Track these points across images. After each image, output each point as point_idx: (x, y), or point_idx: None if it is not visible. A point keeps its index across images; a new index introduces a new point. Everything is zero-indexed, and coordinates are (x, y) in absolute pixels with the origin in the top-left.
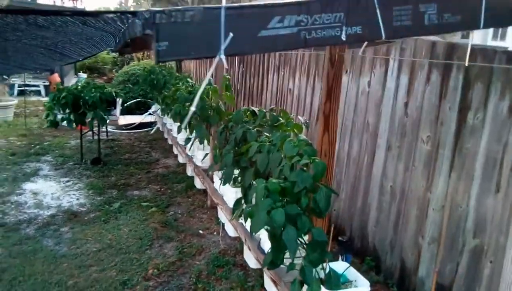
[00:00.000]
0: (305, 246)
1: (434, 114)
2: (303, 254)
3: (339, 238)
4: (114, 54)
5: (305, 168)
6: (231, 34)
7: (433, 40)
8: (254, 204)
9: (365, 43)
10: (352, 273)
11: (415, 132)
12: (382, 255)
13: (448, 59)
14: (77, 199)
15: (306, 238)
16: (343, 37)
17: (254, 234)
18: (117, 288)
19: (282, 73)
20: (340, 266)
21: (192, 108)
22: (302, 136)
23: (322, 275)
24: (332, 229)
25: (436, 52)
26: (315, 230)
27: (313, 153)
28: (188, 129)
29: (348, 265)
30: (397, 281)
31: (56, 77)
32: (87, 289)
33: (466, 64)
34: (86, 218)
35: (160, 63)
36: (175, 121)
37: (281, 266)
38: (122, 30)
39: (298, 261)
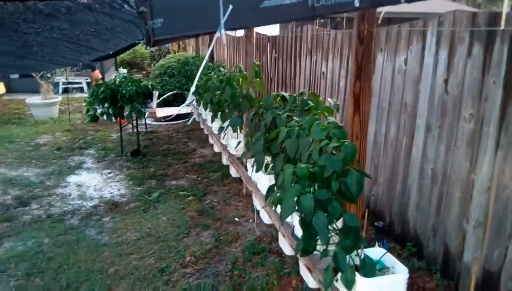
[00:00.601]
0: (337, 232)
1: (477, 90)
2: (337, 241)
3: (375, 224)
4: (151, 48)
5: (334, 152)
6: (230, 7)
7: (474, 11)
8: (282, 190)
9: (382, 13)
10: (390, 260)
11: (456, 111)
12: (424, 241)
13: (491, 30)
14: (118, 190)
15: (339, 223)
16: (356, 3)
17: (284, 220)
18: (156, 275)
19: (315, 57)
20: (376, 252)
21: (192, 89)
22: (332, 118)
23: (357, 261)
24: (366, 214)
25: (477, 23)
26: (347, 216)
27: (343, 136)
28: (221, 118)
29: (385, 251)
30: (441, 267)
31: (97, 73)
32: (127, 276)
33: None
34: (126, 208)
35: (155, 47)
36: (205, 110)
37: (315, 252)
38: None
39: (332, 248)
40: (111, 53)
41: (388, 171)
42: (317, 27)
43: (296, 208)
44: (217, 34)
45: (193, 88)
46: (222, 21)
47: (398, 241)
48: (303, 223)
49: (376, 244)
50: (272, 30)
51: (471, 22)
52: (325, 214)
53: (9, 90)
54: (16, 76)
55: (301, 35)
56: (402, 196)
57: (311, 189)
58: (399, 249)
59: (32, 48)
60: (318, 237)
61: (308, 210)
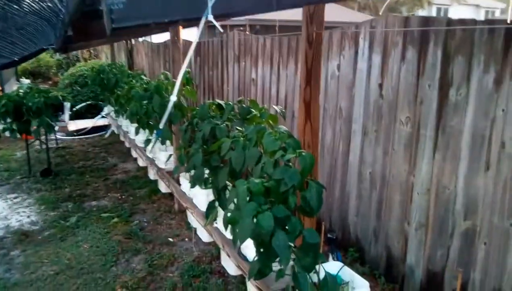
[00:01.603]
0: (295, 249)
1: (412, 93)
2: (293, 256)
3: (329, 236)
4: (58, 56)
5: (289, 163)
6: None
7: (406, 15)
8: (235, 209)
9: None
10: (347, 273)
11: (392, 114)
12: (365, 245)
13: (424, 33)
14: (28, 217)
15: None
16: None
17: (241, 244)
18: None
19: (243, 63)
20: (332, 266)
21: (173, 98)
22: (283, 127)
23: (315, 279)
24: (323, 227)
25: (409, 28)
26: (306, 232)
27: (297, 146)
28: (146, 130)
29: (342, 264)
30: (384, 270)
31: None
32: None
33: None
34: (39, 237)
35: (114, 39)
36: (132, 122)
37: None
38: (60, 12)
39: (288, 266)
40: (17, 60)
41: (325, 177)
42: (245, 32)
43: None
44: (202, 22)
45: (173, 97)
46: (210, 3)
47: (340, 247)
48: (260, 244)
49: (330, 256)
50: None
51: (404, 26)
52: (284, 233)
53: None
54: None
55: (227, 41)
56: (341, 201)
57: (269, 206)
58: (342, 255)
59: None
60: (275, 258)
61: (267, 230)
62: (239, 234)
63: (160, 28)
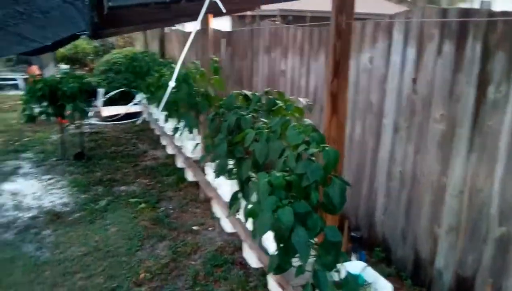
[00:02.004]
0: (315, 246)
1: (447, 90)
2: (314, 253)
3: (352, 234)
4: (95, 43)
5: (313, 158)
6: None
7: (444, 7)
8: (256, 202)
9: None
10: (370, 274)
11: (426, 111)
12: (392, 245)
13: (463, 26)
14: (60, 198)
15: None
16: None
17: (259, 237)
18: None
19: (273, 54)
20: (355, 266)
21: (171, 83)
22: (308, 120)
23: (336, 277)
24: (346, 226)
25: (447, 19)
26: (328, 229)
27: (322, 140)
28: (176, 118)
29: (365, 264)
30: (411, 273)
31: (34, 69)
32: None
33: None
34: (70, 218)
35: (108, 24)
36: (159, 109)
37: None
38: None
39: (309, 262)
40: (50, 44)
41: (354, 172)
42: (277, 22)
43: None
44: (206, 2)
45: (171, 83)
46: None
47: (365, 245)
48: (279, 239)
49: (353, 256)
50: (222, 25)
51: (441, 18)
52: (304, 229)
53: None
54: None
55: (258, 31)
56: (368, 199)
57: (288, 201)
58: (366, 254)
59: None
60: (295, 254)
61: (287, 225)
62: (258, 228)
63: (161, 8)
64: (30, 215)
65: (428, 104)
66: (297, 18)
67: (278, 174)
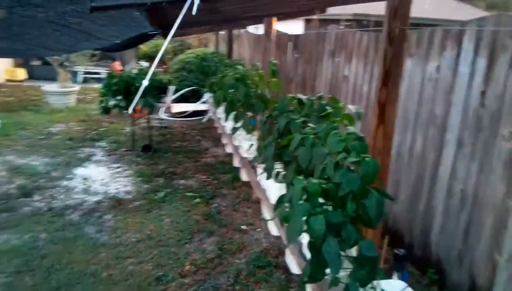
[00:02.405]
0: (351, 259)
1: None
2: (349, 265)
3: (395, 251)
4: (174, 43)
5: (352, 167)
6: None
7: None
8: (290, 207)
9: None
10: None
11: (494, 127)
12: (447, 268)
13: None
14: (124, 186)
15: (353, 249)
16: None
17: (290, 242)
18: (151, 283)
19: (337, 59)
20: (394, 285)
21: (145, 82)
22: (352, 128)
23: None
24: (385, 241)
25: None
26: (363, 243)
27: (363, 149)
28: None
29: (405, 285)
30: None
31: (117, 65)
32: (121, 282)
33: None
34: (130, 206)
35: (95, 12)
36: (216, 108)
37: (326, 277)
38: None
39: (344, 273)
40: (120, 43)
41: (410, 188)
42: (342, 27)
43: (305, 228)
44: (186, 4)
45: (145, 82)
46: None
47: (418, 265)
48: (311, 247)
49: (395, 274)
50: (295, 28)
51: None
52: (338, 239)
53: (30, 76)
54: (37, 63)
55: (324, 35)
56: (425, 216)
57: (322, 209)
58: (418, 274)
59: (11, 28)
60: (327, 265)
61: (318, 234)
62: (289, 233)
63: (142, 10)
64: (96, 199)
65: (496, 120)
66: (374, 23)
67: (315, 181)
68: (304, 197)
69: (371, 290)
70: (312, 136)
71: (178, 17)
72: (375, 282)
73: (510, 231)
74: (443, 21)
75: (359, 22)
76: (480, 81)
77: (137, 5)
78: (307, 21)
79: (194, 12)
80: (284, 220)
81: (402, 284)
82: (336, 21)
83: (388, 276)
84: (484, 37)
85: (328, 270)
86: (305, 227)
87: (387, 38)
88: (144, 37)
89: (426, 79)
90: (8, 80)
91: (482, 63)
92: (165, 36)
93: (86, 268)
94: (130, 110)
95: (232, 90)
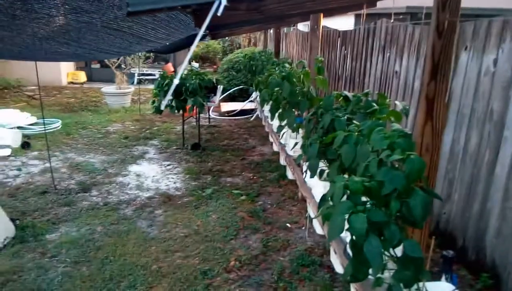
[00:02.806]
0: (395, 259)
1: None
2: (393, 266)
3: (444, 253)
4: (223, 43)
5: (397, 165)
6: None
7: None
8: (331, 205)
9: None
10: None
11: None
12: (503, 274)
13: None
14: (174, 183)
15: (398, 249)
16: None
17: (330, 240)
18: (197, 277)
19: (388, 54)
20: (442, 288)
21: (176, 81)
22: (396, 125)
23: None
24: (432, 242)
25: None
26: (407, 243)
27: (409, 147)
28: (279, 116)
29: (453, 287)
30: None
31: (169, 66)
32: (169, 275)
33: None
34: (179, 202)
35: (131, 16)
36: (262, 107)
37: (369, 277)
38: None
39: (388, 274)
40: (171, 45)
41: (464, 187)
42: (392, 21)
43: (346, 227)
44: (215, 5)
45: (176, 81)
46: None
47: (471, 269)
48: (353, 246)
49: (443, 276)
50: (345, 24)
51: None
52: (380, 239)
53: (90, 79)
54: (97, 66)
55: (374, 30)
56: (479, 218)
57: (365, 208)
58: (471, 279)
59: (70, 33)
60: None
61: (359, 232)
62: (330, 231)
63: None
64: (148, 195)
65: None
66: (427, 15)
67: (356, 179)
68: (346, 194)
69: None
70: (356, 133)
71: (206, 20)
72: (420, 284)
73: None
74: (502, 10)
75: (413, 15)
76: None
77: (167, 9)
78: (357, 16)
79: (219, 13)
80: (325, 218)
81: (450, 286)
82: (388, 15)
83: (437, 279)
84: None
85: (370, 270)
86: (346, 226)
87: (436, 31)
88: (194, 39)
89: (482, 73)
90: (70, 83)
91: None
92: (213, 37)
93: (138, 261)
94: (163, 106)
95: (277, 88)
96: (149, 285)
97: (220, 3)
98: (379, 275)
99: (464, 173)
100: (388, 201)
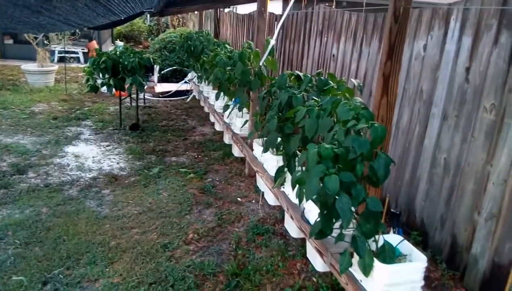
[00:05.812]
0: (357, 216)
1: (501, 80)
2: (353, 225)
3: (392, 210)
4: (149, 22)
5: (361, 134)
6: None
7: None
8: (304, 170)
9: None
10: (406, 247)
11: (476, 101)
12: (430, 230)
13: None
14: (117, 163)
15: (357, 207)
16: None
17: (307, 200)
18: (159, 250)
19: (325, 38)
20: (392, 239)
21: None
22: (359, 99)
23: (373, 247)
24: (387, 200)
25: (509, 10)
26: (370, 200)
27: (371, 117)
28: (227, 96)
29: (402, 238)
30: (447, 257)
31: (94, 44)
32: (130, 250)
33: None
34: (126, 181)
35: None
36: (214, 87)
37: (328, 237)
38: None
39: (347, 232)
40: (122, 20)
41: (397, 159)
42: (330, 7)
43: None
44: None
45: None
46: None
47: (403, 229)
48: (323, 205)
49: (392, 230)
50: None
51: (501, 10)
52: (348, 197)
53: (3, 55)
54: (10, 41)
55: (312, 15)
56: (410, 185)
57: (335, 171)
58: (404, 237)
59: (52, 2)
60: (336, 220)
61: (332, 191)
62: (306, 193)
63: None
64: (91, 175)
65: (479, 94)
66: (352, 4)
67: (327, 146)
68: (317, 160)
69: (373, 242)
70: (316, 108)
71: None
72: (377, 236)
73: (489, 193)
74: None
75: (338, 3)
76: (465, 58)
77: None
78: (285, 1)
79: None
80: (297, 183)
81: (399, 237)
82: (319, 2)
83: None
84: (470, 17)
85: (337, 225)
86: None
87: (393, 17)
88: (139, 14)
89: (413, 57)
90: None
91: (467, 41)
92: (161, 14)
93: (93, 238)
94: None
95: (228, 68)
96: (110, 260)
97: None
98: (340, 232)
99: (396, 145)
100: (354, 164)
